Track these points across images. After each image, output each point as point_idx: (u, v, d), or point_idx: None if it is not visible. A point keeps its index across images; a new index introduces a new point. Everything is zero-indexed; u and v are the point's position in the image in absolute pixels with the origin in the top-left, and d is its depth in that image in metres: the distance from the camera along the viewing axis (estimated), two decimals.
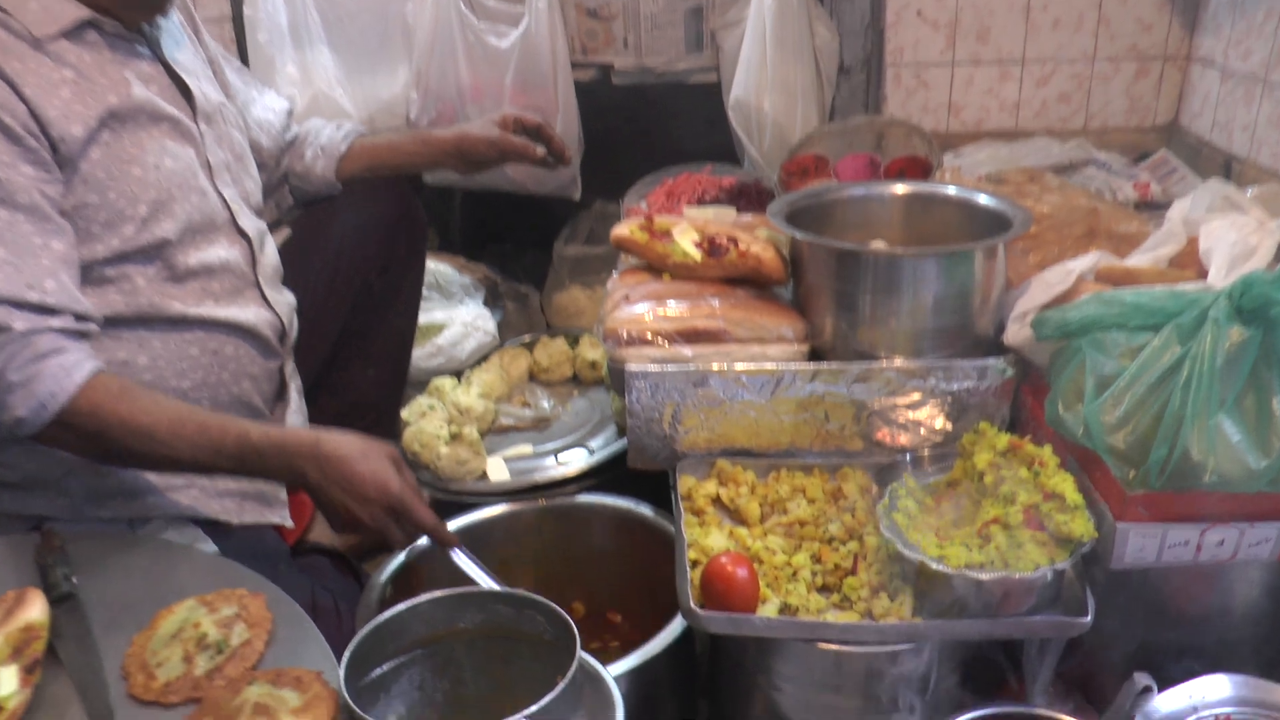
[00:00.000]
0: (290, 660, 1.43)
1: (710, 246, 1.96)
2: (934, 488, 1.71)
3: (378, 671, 1.42)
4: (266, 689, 1.36)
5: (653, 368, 1.84)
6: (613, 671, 1.57)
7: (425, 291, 2.87)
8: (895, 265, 1.79)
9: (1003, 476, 1.59)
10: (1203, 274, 1.81)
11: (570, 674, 1.30)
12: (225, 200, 1.90)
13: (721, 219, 2.21)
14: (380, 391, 2.43)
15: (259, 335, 1.92)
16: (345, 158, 2.27)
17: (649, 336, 1.87)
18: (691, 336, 1.87)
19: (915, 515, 1.65)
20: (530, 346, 2.56)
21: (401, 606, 1.43)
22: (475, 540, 2.00)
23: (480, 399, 2.28)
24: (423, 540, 1.68)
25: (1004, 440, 1.62)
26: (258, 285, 1.95)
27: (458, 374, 2.49)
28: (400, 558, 1.90)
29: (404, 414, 2.27)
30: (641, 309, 1.90)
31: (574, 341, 2.61)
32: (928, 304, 1.81)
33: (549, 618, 1.41)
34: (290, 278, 2.11)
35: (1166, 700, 1.54)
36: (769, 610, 1.57)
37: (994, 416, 1.87)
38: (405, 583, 1.87)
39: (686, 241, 1.99)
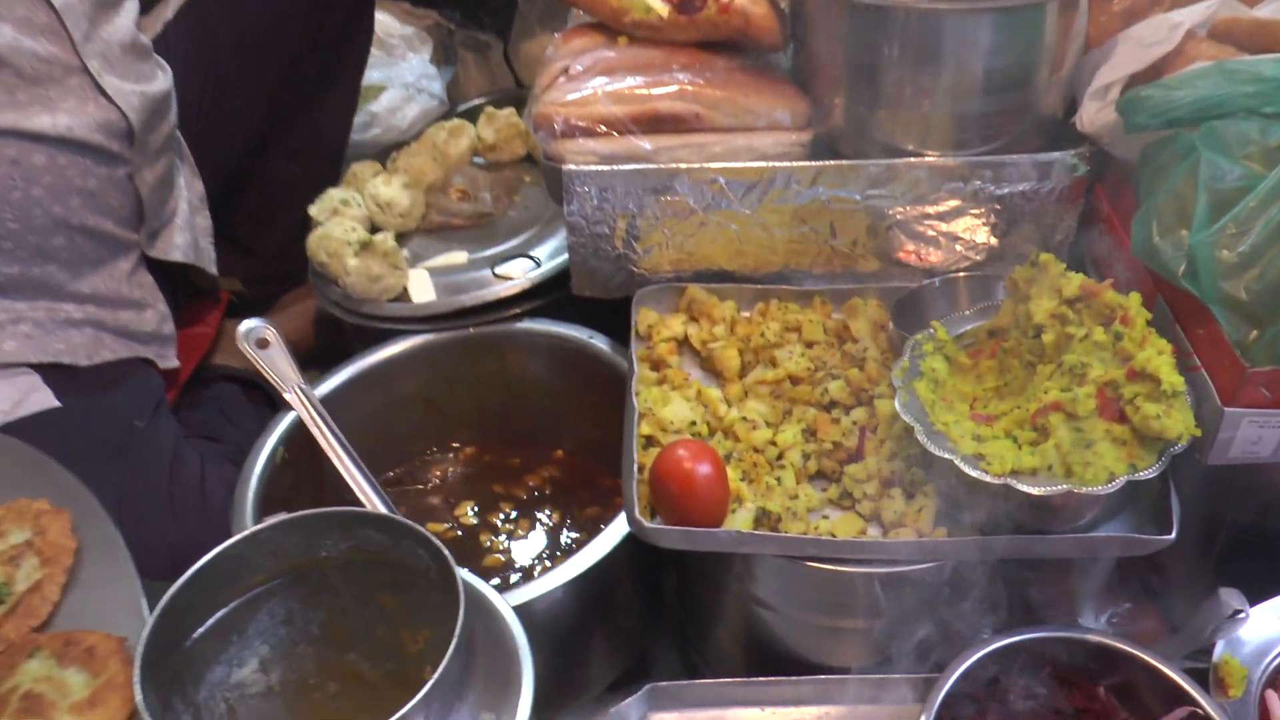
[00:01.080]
0: (94, 612, 1.08)
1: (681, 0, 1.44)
2: (972, 338, 1.27)
3: (222, 613, 1.07)
4: (49, 665, 1.00)
5: (599, 168, 1.37)
6: (535, 591, 1.21)
7: None
8: (934, 25, 1.28)
9: (1069, 335, 1.14)
10: None
11: (450, 654, 0.94)
12: None
13: None
14: (308, 189, 1.98)
15: (85, 142, 1.45)
16: None
17: (595, 125, 1.38)
18: (653, 123, 1.39)
19: (945, 381, 1.22)
20: (474, 116, 2.06)
21: (235, 539, 1.06)
22: (384, 382, 1.61)
23: (406, 190, 1.80)
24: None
25: (1073, 283, 1.16)
26: (86, 71, 1.46)
27: (398, 146, 2.00)
28: (290, 416, 1.51)
29: (313, 210, 1.81)
30: (586, 87, 1.40)
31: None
32: (976, 78, 1.30)
33: (429, 551, 1.04)
34: (186, 52, 1.69)
35: (1259, 624, 1.18)
36: (742, 519, 1.17)
37: (1054, 230, 1.40)
38: (307, 444, 1.48)
39: None
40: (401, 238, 1.80)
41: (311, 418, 1.49)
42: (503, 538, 1.53)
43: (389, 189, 1.80)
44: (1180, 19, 1.37)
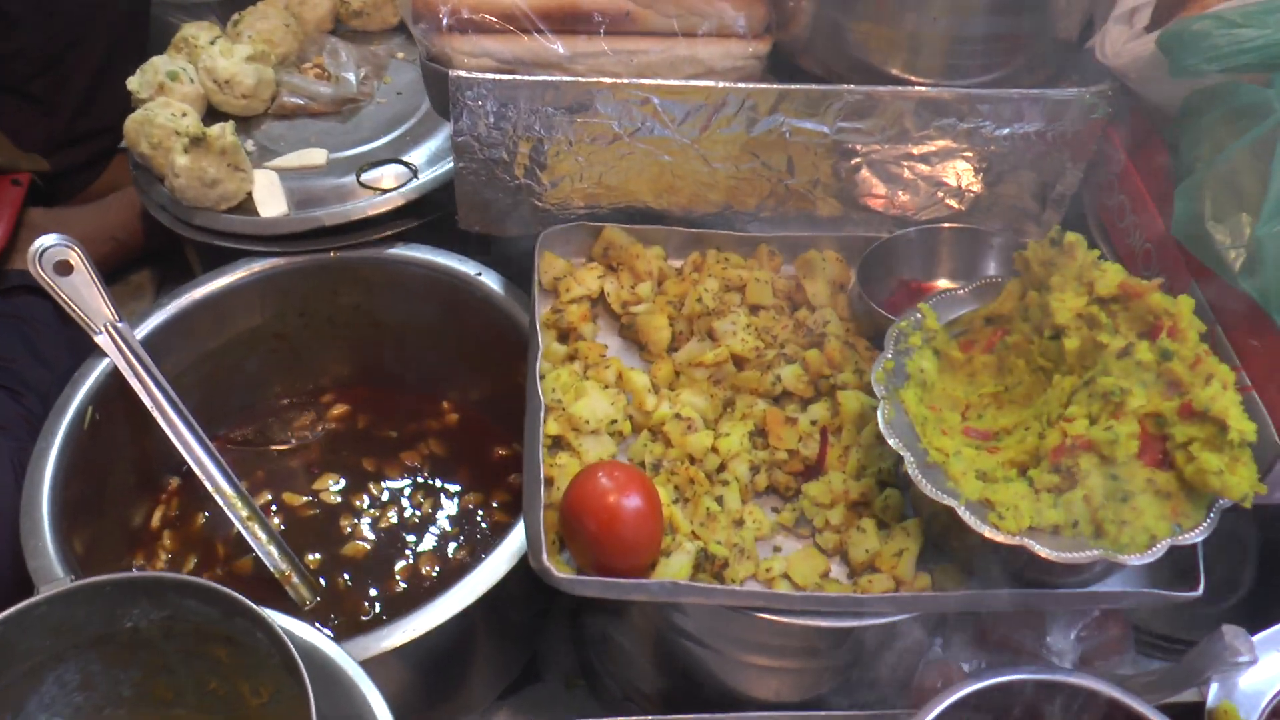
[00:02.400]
0: None
1: None
2: (965, 326, 1.02)
3: None
4: None
5: (498, 75, 1.06)
6: (407, 634, 0.96)
7: None
8: None
9: (1099, 344, 0.90)
10: None
11: None
12: None
13: None
14: (107, 14, 1.60)
15: None
16: None
17: (494, 19, 1.06)
18: (570, 20, 1.07)
19: (934, 384, 0.97)
20: None
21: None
22: (225, 314, 1.30)
23: (251, 65, 1.44)
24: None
25: (1110, 278, 0.91)
26: None
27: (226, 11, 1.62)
28: (103, 363, 1.20)
29: (132, 84, 1.44)
30: None
31: None
32: None
33: (268, 636, 0.77)
34: None
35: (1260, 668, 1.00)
36: (679, 565, 0.92)
37: (1056, 180, 1.15)
38: (125, 398, 1.17)
39: None
40: (245, 123, 1.45)
41: (130, 364, 1.19)
42: (367, 524, 1.26)
43: (229, 62, 1.44)
44: None
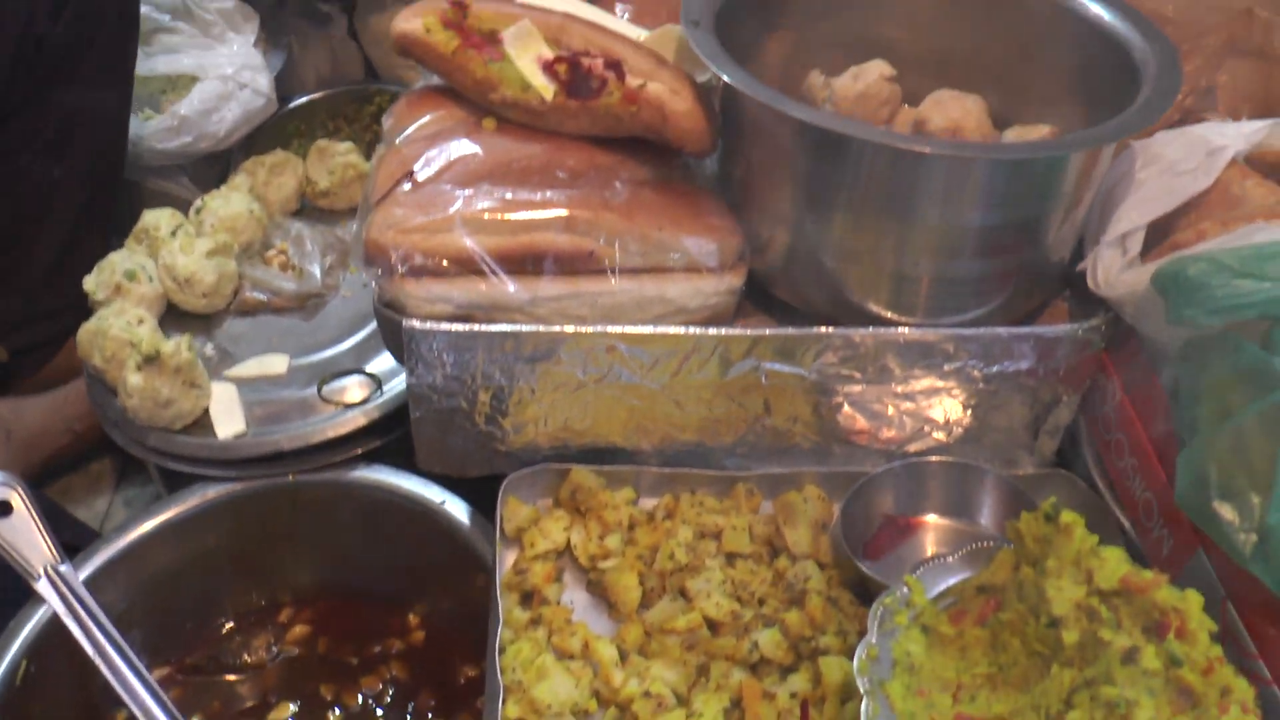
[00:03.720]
0: None
1: (572, 75, 1.05)
2: (956, 595, 0.95)
3: None
4: None
5: (454, 327, 1.00)
6: None
7: (167, 21, 1.89)
8: (918, 167, 0.92)
9: (1100, 639, 0.82)
10: None
11: None
12: None
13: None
14: (72, 195, 1.56)
15: None
16: None
17: (448, 263, 1.00)
18: (528, 260, 1.01)
19: (922, 666, 0.90)
20: (310, 116, 1.62)
21: None
22: (180, 537, 1.24)
23: (211, 261, 1.38)
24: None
25: (1110, 569, 0.84)
26: None
27: (213, 157, 1.56)
28: (41, 611, 1.13)
29: (89, 285, 1.39)
30: (436, 205, 1.01)
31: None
32: (967, 238, 0.96)
33: None
34: None
35: None
36: None
37: (1050, 411, 1.08)
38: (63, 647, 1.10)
39: (528, 60, 1.07)
40: (205, 322, 1.40)
41: (71, 610, 1.11)
42: None
43: (189, 259, 1.38)
44: (1222, 141, 1.05)
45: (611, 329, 1.00)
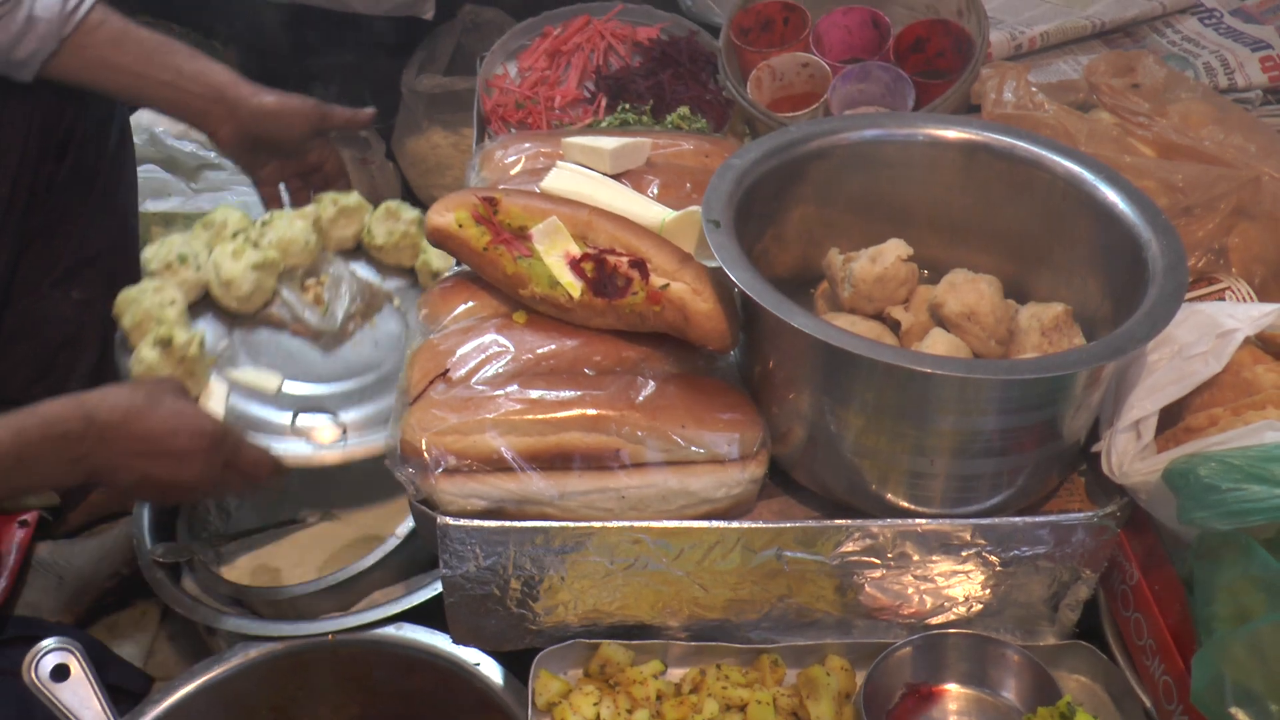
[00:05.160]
0: None
1: (598, 273, 1.09)
2: None
3: None
4: None
5: (486, 523, 1.04)
6: None
7: (213, 158, 1.96)
8: (928, 384, 0.96)
9: None
10: None
11: None
12: None
13: (628, 155, 1.31)
14: (93, 322, 1.60)
15: None
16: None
17: (481, 464, 1.04)
18: (556, 458, 1.05)
19: None
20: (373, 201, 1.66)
21: None
22: (227, 697, 1.29)
23: (254, 272, 1.42)
24: None
25: None
26: None
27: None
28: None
29: (146, 254, 1.50)
30: (470, 406, 1.06)
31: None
32: (982, 439, 0.99)
33: None
34: None
35: None
36: None
37: (1068, 588, 1.11)
38: None
39: (556, 258, 1.11)
40: (233, 319, 1.49)
41: None
42: None
43: (235, 265, 1.45)
44: (1233, 324, 1.07)
45: (637, 524, 1.04)
